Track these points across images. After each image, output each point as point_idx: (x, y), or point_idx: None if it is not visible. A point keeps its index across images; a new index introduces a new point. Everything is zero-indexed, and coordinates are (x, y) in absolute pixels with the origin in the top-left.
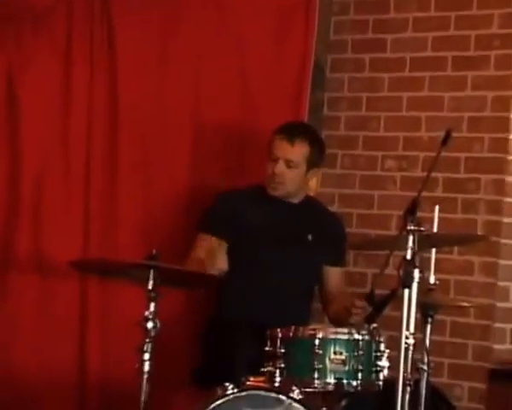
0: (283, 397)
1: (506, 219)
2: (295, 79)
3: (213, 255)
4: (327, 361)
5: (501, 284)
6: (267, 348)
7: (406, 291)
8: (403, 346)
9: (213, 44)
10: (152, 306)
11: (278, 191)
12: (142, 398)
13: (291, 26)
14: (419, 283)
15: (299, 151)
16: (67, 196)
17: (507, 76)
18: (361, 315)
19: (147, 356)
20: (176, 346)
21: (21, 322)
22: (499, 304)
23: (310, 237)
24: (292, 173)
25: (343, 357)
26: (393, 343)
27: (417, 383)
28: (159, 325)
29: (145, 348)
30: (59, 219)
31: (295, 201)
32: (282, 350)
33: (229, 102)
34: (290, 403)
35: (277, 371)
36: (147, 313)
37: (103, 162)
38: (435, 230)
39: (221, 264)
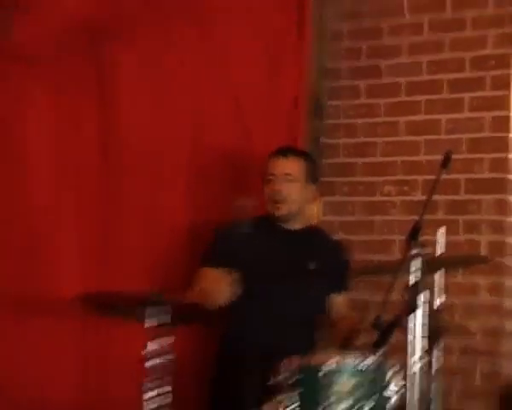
0: None
1: (509, 239)
2: (290, 108)
3: (218, 283)
4: (333, 393)
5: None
6: (272, 381)
7: (412, 316)
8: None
9: (205, 75)
10: (156, 343)
11: (282, 210)
12: None
13: (284, 53)
14: (424, 307)
15: (294, 165)
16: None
17: (504, 96)
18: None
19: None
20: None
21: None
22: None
23: (312, 265)
24: (292, 188)
25: (350, 387)
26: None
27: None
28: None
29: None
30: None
31: (296, 227)
32: (290, 382)
33: (226, 133)
34: None
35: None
36: (149, 348)
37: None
38: (440, 252)
39: (227, 292)
